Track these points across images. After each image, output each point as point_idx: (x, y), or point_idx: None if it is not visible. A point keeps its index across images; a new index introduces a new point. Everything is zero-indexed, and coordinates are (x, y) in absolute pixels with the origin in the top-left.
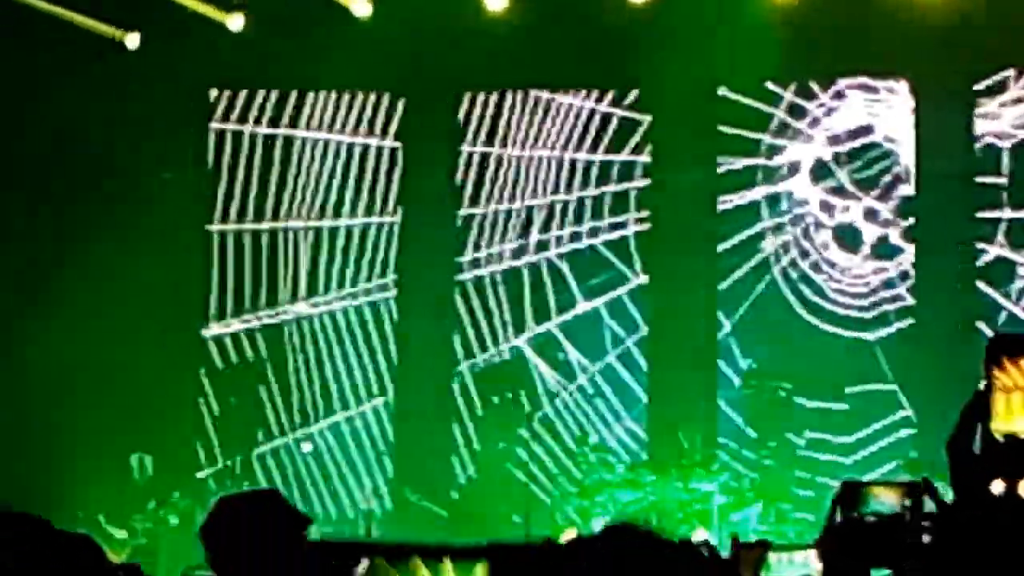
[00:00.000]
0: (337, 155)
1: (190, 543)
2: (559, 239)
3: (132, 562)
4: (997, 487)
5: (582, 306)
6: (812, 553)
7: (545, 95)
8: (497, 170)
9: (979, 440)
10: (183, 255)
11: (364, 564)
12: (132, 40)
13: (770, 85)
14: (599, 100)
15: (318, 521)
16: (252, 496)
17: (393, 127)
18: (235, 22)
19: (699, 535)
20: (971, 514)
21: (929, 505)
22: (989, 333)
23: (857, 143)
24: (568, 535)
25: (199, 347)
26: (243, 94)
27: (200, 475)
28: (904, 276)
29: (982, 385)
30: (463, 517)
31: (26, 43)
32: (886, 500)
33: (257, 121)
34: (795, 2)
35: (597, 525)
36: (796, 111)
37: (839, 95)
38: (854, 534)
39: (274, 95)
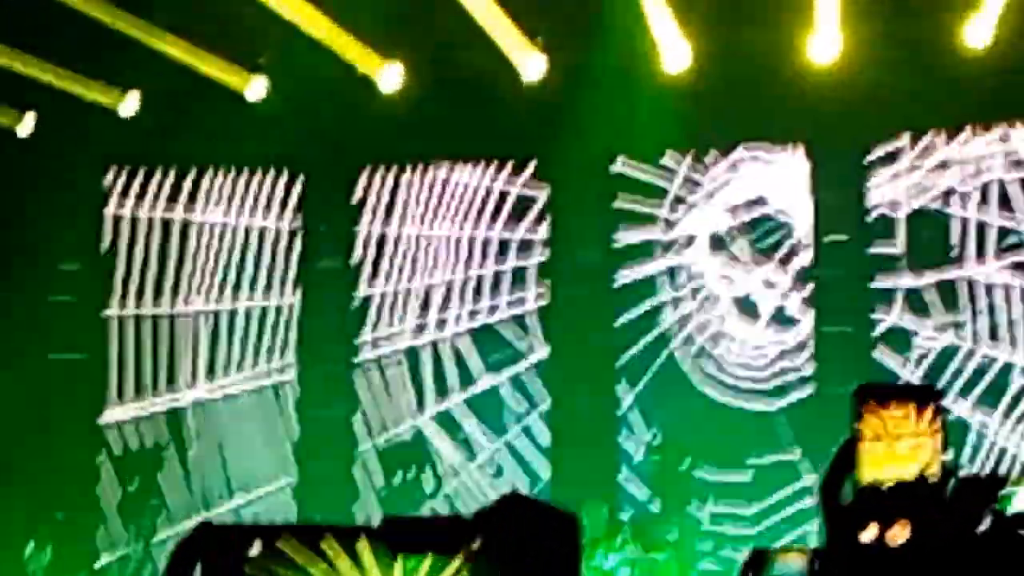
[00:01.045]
0: (234, 236)
1: None
2: (458, 317)
3: None
4: (867, 535)
5: (483, 382)
6: None
7: (443, 170)
8: (395, 248)
9: (848, 489)
10: (81, 340)
11: (257, 546)
12: (25, 126)
13: (666, 158)
14: (497, 173)
15: None
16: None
17: (291, 204)
18: (128, 105)
19: None
20: (842, 565)
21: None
22: None
23: (753, 213)
24: None
25: (97, 433)
26: (139, 174)
27: (99, 564)
28: (802, 345)
29: (850, 434)
30: None
31: None
32: (793, 564)
33: (153, 203)
34: (691, 72)
35: None
36: (691, 183)
37: (734, 166)
38: None
39: (171, 173)
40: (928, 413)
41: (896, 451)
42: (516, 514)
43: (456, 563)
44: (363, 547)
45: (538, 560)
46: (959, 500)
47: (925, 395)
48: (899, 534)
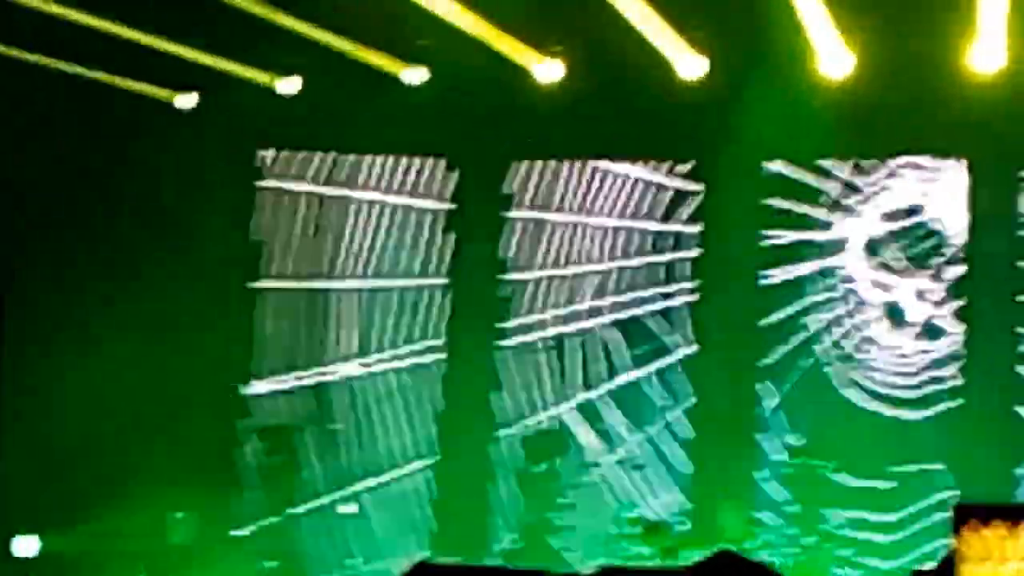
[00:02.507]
0: (388, 217)
1: None
2: (607, 308)
3: None
4: None
5: (628, 375)
6: None
7: (598, 164)
8: (547, 237)
9: None
10: (231, 311)
11: None
12: (187, 101)
13: (823, 162)
14: (653, 170)
15: None
16: None
17: (445, 193)
18: (288, 85)
19: None
20: None
21: None
22: None
23: (908, 222)
24: None
25: (240, 404)
26: (293, 155)
27: (236, 533)
28: (953, 356)
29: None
30: None
31: (91, 108)
32: None
33: (309, 181)
34: (850, 79)
35: None
36: (848, 187)
37: (891, 172)
38: None
39: (326, 157)
40: None
41: (1002, 574)
42: (729, 571)
43: None
44: None
45: None
46: None
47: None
48: None
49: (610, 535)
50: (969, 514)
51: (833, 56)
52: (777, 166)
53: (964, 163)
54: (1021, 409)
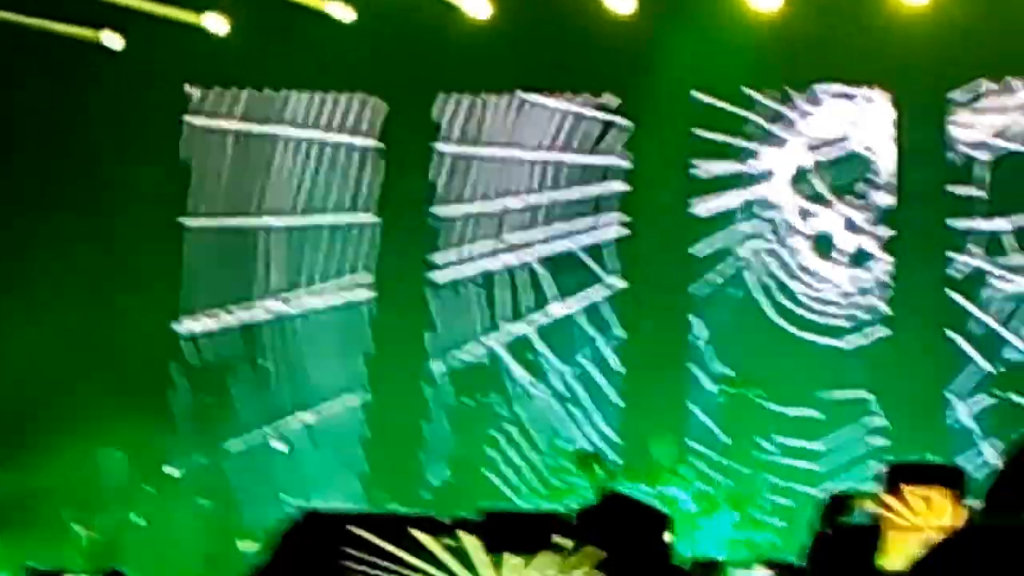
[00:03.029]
0: (314, 154)
1: (154, 543)
2: (536, 241)
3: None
4: None
5: (557, 308)
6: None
7: (526, 98)
8: (475, 171)
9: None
10: (159, 248)
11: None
12: (114, 40)
13: (749, 90)
14: (578, 103)
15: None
16: None
17: (371, 127)
18: (215, 22)
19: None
20: None
21: None
22: (960, 342)
23: (835, 151)
24: None
25: (170, 342)
26: (221, 92)
27: (169, 471)
28: (880, 284)
29: (868, 511)
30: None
31: (17, 49)
32: (869, 511)
33: (235, 118)
34: (774, 10)
35: None
36: (774, 116)
37: (817, 101)
38: (840, 545)
39: (252, 94)
40: (955, 497)
41: (925, 539)
42: (617, 515)
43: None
44: (472, 543)
45: (632, 561)
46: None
47: (952, 477)
48: None
49: (544, 468)
50: (899, 475)
51: None
52: (704, 97)
53: (890, 92)
54: (952, 334)
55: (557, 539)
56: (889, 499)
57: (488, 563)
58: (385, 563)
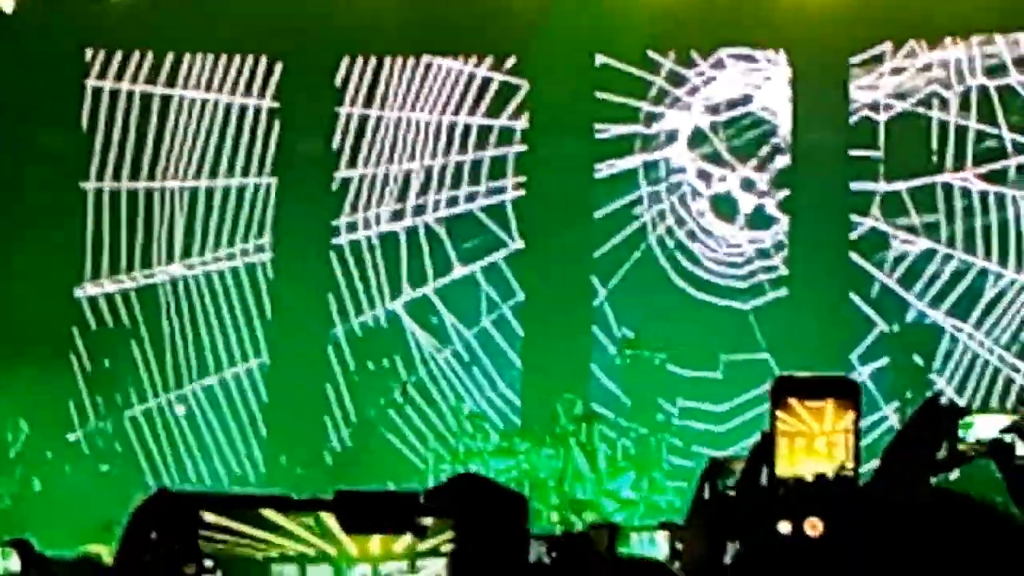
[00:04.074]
0: (213, 115)
1: (54, 508)
2: (436, 203)
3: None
4: (784, 527)
5: (458, 271)
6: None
7: (424, 59)
8: (375, 133)
9: (765, 482)
10: (59, 213)
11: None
12: (9, 3)
13: (650, 53)
14: (478, 65)
15: (190, 484)
16: None
17: (271, 89)
18: None
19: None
20: (762, 553)
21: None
22: (860, 304)
23: (735, 113)
24: None
25: (72, 306)
26: (119, 55)
27: (71, 437)
28: (779, 246)
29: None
30: (336, 482)
31: None
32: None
33: (133, 80)
34: None
35: None
36: (675, 79)
37: (718, 64)
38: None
39: (150, 56)
40: (846, 408)
41: (814, 448)
42: (467, 494)
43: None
44: (332, 521)
45: (487, 540)
46: (923, 426)
47: (844, 389)
48: (815, 528)
49: (446, 431)
50: (785, 391)
51: None
52: (605, 59)
53: (792, 55)
54: (852, 295)
55: (420, 519)
56: (779, 414)
57: (350, 539)
58: (235, 539)
